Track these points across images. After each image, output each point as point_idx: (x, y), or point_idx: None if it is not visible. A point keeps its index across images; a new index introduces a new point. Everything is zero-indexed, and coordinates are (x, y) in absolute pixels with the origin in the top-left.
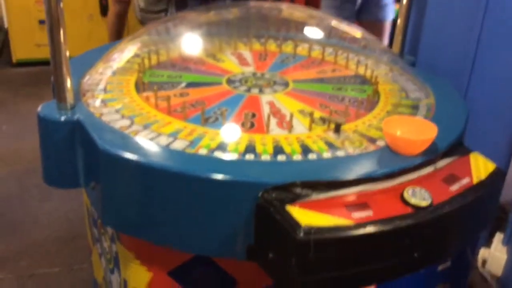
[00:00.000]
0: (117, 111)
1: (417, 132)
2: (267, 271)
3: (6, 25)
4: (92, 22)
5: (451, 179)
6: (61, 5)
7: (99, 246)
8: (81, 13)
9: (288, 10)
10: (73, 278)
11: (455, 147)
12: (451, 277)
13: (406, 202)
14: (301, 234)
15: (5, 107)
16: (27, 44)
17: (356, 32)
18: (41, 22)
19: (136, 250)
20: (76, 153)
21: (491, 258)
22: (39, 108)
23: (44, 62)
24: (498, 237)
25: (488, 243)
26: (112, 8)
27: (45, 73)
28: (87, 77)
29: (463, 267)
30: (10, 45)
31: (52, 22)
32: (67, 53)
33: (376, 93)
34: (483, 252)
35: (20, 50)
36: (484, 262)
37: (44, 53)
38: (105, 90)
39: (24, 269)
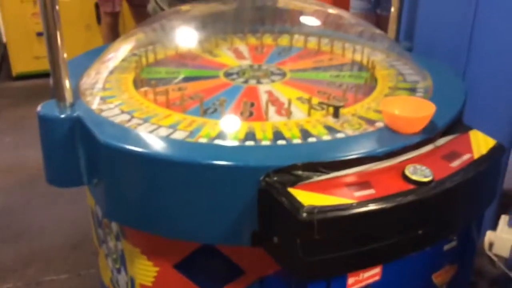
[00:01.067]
0: (116, 106)
1: (415, 110)
2: (272, 255)
3: (4, 39)
4: (89, 32)
5: (452, 156)
6: (57, 7)
7: (105, 247)
8: (78, 23)
9: (283, 2)
10: (81, 283)
11: (455, 125)
12: (457, 258)
13: (407, 179)
14: (304, 214)
15: (8, 119)
16: (26, 57)
17: (351, 21)
18: (39, 34)
19: (142, 246)
20: (77, 150)
21: (498, 240)
22: (38, 108)
23: (44, 75)
24: (504, 219)
25: (493, 227)
26: (103, 20)
27: (45, 86)
28: (85, 78)
29: (469, 248)
30: (9, 59)
31: (48, 23)
32: (65, 54)
33: (373, 78)
34: (489, 235)
35: (19, 64)
36: (491, 244)
37: (43, 65)
38: (104, 88)
39: (32, 277)
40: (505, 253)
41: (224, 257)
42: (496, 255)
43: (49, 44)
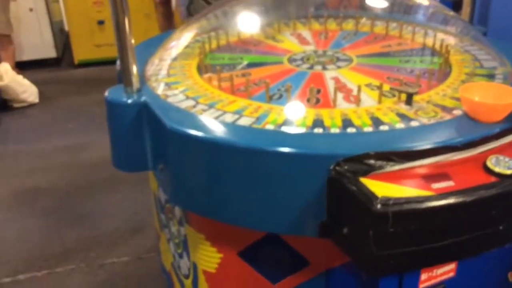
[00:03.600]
0: (181, 92)
1: (497, 97)
2: (341, 247)
3: (66, 28)
4: (149, 20)
5: None
6: None
7: (167, 232)
8: (138, 12)
9: None
10: (141, 266)
11: None
12: None
13: (489, 171)
14: (379, 206)
15: (70, 106)
16: (87, 45)
17: (422, 2)
18: (100, 22)
19: (206, 232)
20: (143, 135)
21: None
22: (106, 93)
23: (104, 62)
24: None
25: None
26: (157, 9)
27: (106, 73)
28: (149, 64)
29: None
30: (71, 47)
31: (117, 10)
32: (132, 39)
33: (448, 63)
34: None
35: (81, 52)
36: None
37: (104, 53)
38: (168, 74)
39: (94, 259)
40: None
41: (289, 247)
42: None
43: (118, 31)
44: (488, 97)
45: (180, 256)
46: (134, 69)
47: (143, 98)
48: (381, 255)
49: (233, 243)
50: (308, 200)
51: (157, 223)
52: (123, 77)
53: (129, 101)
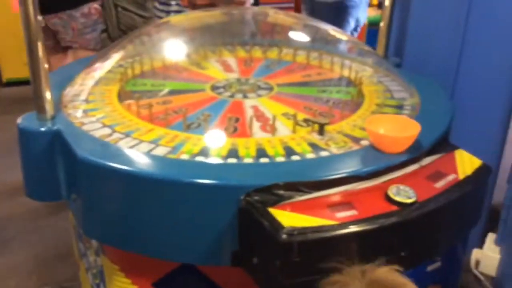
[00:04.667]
0: (98, 120)
1: (400, 129)
2: (252, 276)
3: None
4: None
5: (437, 176)
6: (39, 17)
7: (85, 261)
8: None
9: (274, 16)
10: None
11: (440, 144)
12: (441, 278)
13: (390, 200)
14: (284, 236)
15: None
16: (16, 64)
17: (341, 36)
18: None
19: (120, 263)
20: (56, 164)
21: (484, 258)
22: (18, 120)
23: None
24: (491, 237)
25: (481, 244)
26: None
27: None
28: (68, 89)
29: (454, 267)
30: None
31: (30, 35)
32: (46, 65)
33: (361, 94)
34: (476, 253)
35: (9, 70)
36: (477, 263)
37: None
38: (87, 100)
39: None
40: (491, 272)
41: (205, 277)
42: (482, 274)
43: (30, 56)
44: (392, 130)
45: (98, 287)
46: (48, 95)
47: (56, 126)
48: (287, 284)
49: (148, 274)
50: (221, 230)
51: (76, 251)
52: (36, 104)
53: (42, 129)
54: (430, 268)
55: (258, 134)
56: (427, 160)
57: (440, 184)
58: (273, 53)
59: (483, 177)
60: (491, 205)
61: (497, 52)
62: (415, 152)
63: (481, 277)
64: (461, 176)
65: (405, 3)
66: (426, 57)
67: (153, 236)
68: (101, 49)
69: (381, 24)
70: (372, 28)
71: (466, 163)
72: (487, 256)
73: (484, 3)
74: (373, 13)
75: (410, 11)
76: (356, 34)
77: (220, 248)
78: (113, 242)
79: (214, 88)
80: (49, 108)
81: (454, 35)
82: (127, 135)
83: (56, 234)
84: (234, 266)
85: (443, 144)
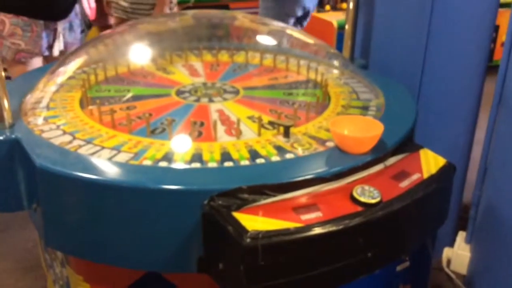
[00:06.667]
0: (58, 127)
1: (364, 130)
2: (218, 282)
3: None
4: None
5: (401, 175)
6: None
7: (52, 273)
8: None
9: (241, 20)
10: None
11: (405, 144)
12: (411, 278)
13: (355, 201)
14: (248, 240)
15: None
16: None
17: (308, 39)
18: None
19: (85, 273)
20: (16, 173)
21: (455, 257)
22: None
23: None
24: (461, 235)
25: (452, 243)
26: None
27: None
28: (29, 96)
29: (423, 267)
30: None
31: None
32: (2, 72)
33: (327, 96)
34: (447, 252)
35: None
36: (448, 261)
37: None
38: (47, 107)
39: None
40: (462, 270)
41: (171, 284)
42: (454, 272)
43: None
44: (356, 130)
45: None
46: (6, 103)
47: (15, 134)
48: None
49: (113, 284)
50: (186, 236)
51: (43, 263)
52: None
53: (0, 138)
54: (399, 268)
55: (223, 138)
56: (391, 160)
57: (405, 184)
58: (240, 57)
59: (448, 175)
60: (462, 204)
61: (462, 52)
62: (380, 152)
63: (453, 276)
64: (426, 175)
65: (369, 5)
66: (392, 59)
67: (116, 245)
68: None
69: (346, 26)
70: (341, 31)
71: (430, 162)
72: (458, 254)
73: (446, 4)
74: (343, 16)
75: (374, 13)
76: (305, 23)
77: (185, 255)
78: (76, 252)
79: (179, 92)
80: (7, 116)
81: (418, 36)
82: (88, 142)
83: (26, 246)
84: (200, 273)
85: (407, 144)
